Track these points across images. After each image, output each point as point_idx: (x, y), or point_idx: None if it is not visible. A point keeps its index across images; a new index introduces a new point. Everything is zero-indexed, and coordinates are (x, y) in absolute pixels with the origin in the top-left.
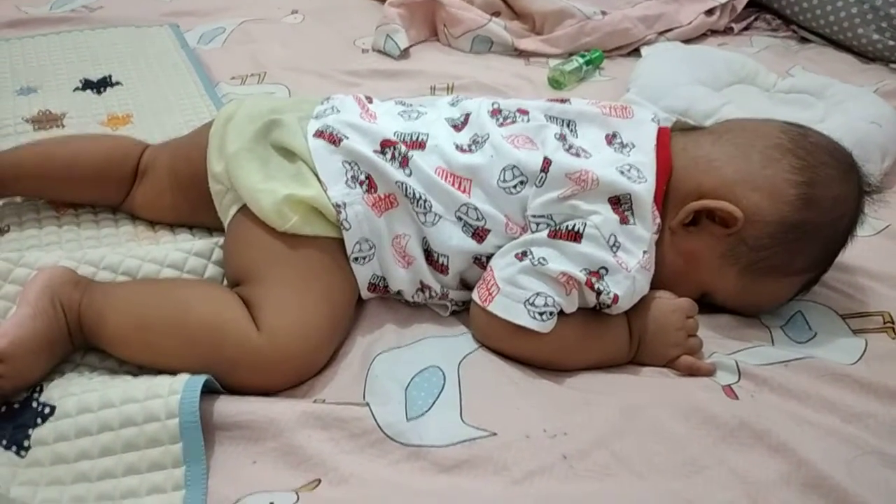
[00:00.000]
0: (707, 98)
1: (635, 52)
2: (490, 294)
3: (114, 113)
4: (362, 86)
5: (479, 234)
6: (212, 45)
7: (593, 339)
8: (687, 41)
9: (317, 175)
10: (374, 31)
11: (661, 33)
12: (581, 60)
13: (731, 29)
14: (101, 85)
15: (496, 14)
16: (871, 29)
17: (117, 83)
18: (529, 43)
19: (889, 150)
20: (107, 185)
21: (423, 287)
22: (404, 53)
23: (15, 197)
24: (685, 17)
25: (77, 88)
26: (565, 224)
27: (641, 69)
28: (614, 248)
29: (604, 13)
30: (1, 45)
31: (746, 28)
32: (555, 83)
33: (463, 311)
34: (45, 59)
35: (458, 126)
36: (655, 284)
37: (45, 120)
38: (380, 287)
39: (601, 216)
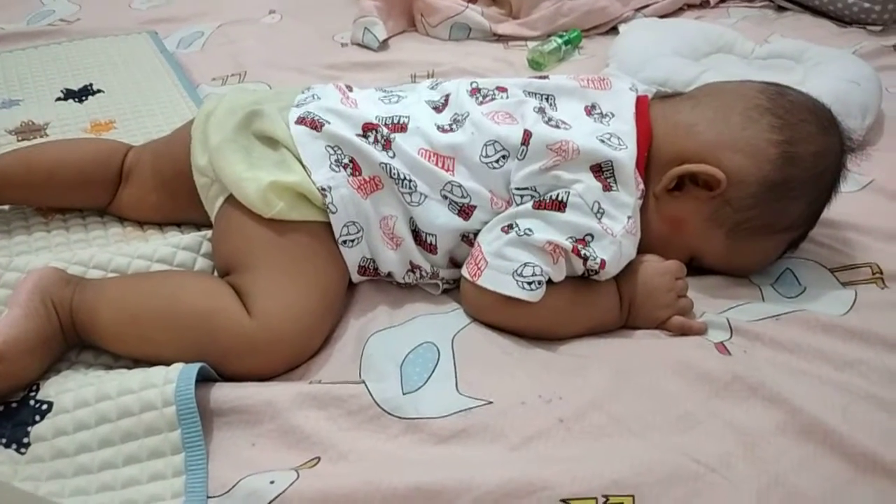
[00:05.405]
0: (686, 67)
1: (613, 31)
2: (479, 268)
3: (96, 120)
4: (343, 78)
5: (465, 211)
6: (191, 48)
7: (584, 305)
8: (664, 16)
9: (300, 161)
10: (352, 24)
11: (638, 10)
12: (560, 41)
13: (708, 2)
14: (82, 94)
15: (472, 1)
16: None
17: (98, 91)
18: (507, 27)
19: (870, 108)
20: (92, 188)
21: (413, 267)
22: (383, 45)
23: (2, 206)
24: None
25: (59, 98)
26: (549, 194)
27: (620, 45)
28: (599, 215)
29: None
30: None
31: (723, 0)
32: (535, 64)
33: (454, 289)
34: (25, 72)
35: (438, 108)
36: (644, 252)
37: (28, 130)
38: (370, 269)
39: (584, 184)
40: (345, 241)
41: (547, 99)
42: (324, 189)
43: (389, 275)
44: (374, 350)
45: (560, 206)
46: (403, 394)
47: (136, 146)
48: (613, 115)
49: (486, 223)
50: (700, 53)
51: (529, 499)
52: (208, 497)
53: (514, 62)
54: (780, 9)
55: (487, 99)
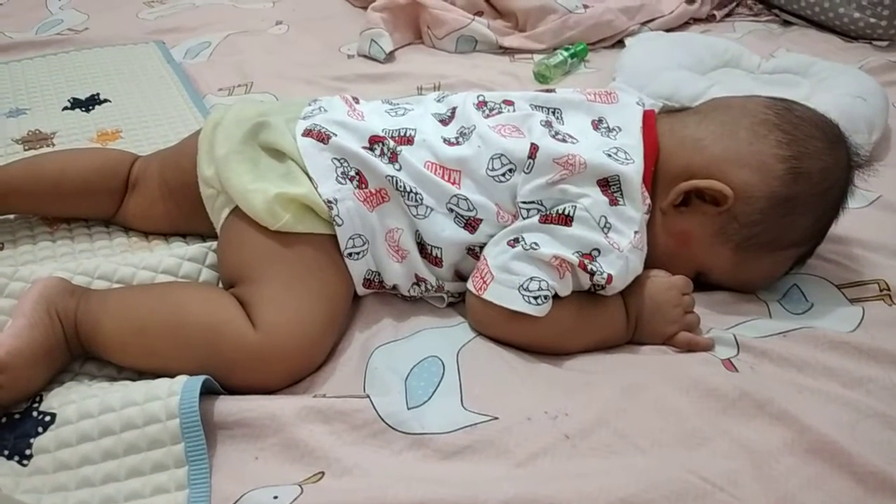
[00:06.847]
0: (692, 82)
1: (619, 44)
2: (485, 282)
3: (103, 129)
4: (349, 90)
5: (471, 225)
6: (198, 59)
7: (590, 321)
8: (670, 30)
9: (307, 173)
10: (359, 36)
11: (644, 24)
12: (566, 54)
13: (714, 16)
14: (89, 103)
15: (479, 14)
16: (853, 7)
17: (105, 101)
18: (513, 40)
19: (876, 123)
20: (98, 198)
21: (418, 280)
22: (390, 57)
23: (7, 215)
24: (667, 7)
25: (66, 108)
26: (555, 208)
27: (626, 59)
28: (605, 230)
29: (585, 6)
30: None
31: (728, 14)
32: (541, 77)
33: (459, 303)
34: (32, 82)
35: (444, 120)
36: (650, 267)
37: (35, 140)
38: (375, 282)
39: (590, 198)
40: (350, 254)
41: (553, 112)
42: (330, 201)
43: (395, 288)
44: (379, 364)
45: (566, 220)
46: (408, 408)
47: (143, 156)
48: (620, 130)
49: (491, 236)
50: (706, 67)
51: None
52: None
53: (520, 75)
54: (786, 23)
55: (494, 112)
